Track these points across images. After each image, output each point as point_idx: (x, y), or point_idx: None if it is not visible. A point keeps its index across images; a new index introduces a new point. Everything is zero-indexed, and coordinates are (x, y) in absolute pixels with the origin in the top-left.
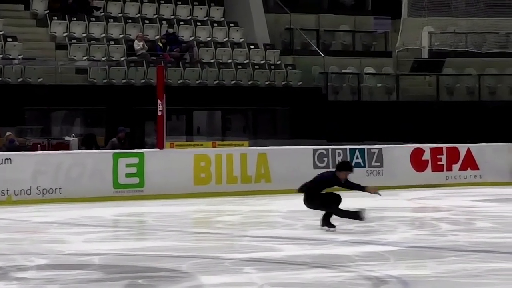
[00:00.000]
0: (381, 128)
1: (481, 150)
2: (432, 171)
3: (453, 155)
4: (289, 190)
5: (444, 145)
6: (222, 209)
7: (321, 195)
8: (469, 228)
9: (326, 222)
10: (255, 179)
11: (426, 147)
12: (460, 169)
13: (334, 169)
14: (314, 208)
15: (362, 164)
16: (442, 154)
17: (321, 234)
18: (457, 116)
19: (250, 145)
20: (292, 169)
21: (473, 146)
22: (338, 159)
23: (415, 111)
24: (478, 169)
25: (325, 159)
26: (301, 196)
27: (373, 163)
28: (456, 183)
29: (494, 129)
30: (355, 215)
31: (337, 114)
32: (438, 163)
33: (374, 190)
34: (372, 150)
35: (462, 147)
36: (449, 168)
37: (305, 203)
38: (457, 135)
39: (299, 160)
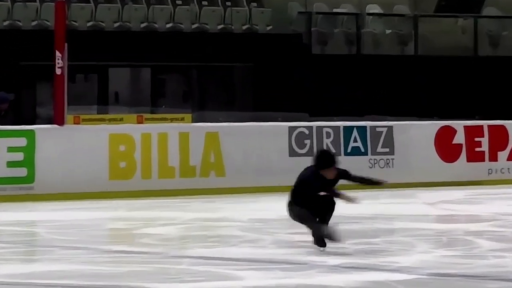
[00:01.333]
0: (392, 96)
1: None
2: (468, 161)
3: (499, 138)
4: (251, 188)
5: (485, 122)
6: (152, 216)
7: (305, 202)
8: None
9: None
10: (201, 171)
11: (459, 125)
12: (509, 159)
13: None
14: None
15: (363, 150)
16: (483, 136)
17: (299, 255)
18: (504, 79)
19: (194, 121)
20: (257, 156)
21: None
22: (327, 141)
23: (441, 71)
24: None
25: (307, 141)
26: (269, 198)
27: (379, 149)
28: (502, 180)
29: None
30: (323, 235)
31: (326, 75)
32: (477, 149)
33: (350, 200)
34: (378, 129)
35: None
36: (493, 157)
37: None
38: (505, 108)
39: (269, 143)
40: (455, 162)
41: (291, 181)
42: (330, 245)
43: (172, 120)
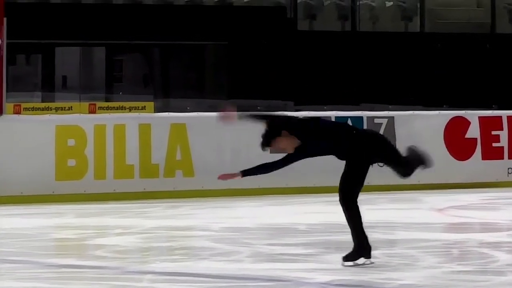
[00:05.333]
0: (393, 81)
1: None
2: (483, 158)
3: None
4: (225, 190)
5: (504, 113)
6: (106, 223)
7: None
8: None
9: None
10: (165, 170)
11: (473, 115)
12: None
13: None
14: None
15: None
16: (501, 129)
17: (282, 270)
18: None
19: (156, 110)
20: (232, 153)
21: None
22: None
23: (452, 52)
24: None
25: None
26: (246, 203)
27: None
28: None
29: None
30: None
31: (314, 55)
32: (494, 144)
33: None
34: (376, 120)
35: None
36: None
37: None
38: None
39: (246, 137)
40: (468, 160)
41: (273, 182)
42: (318, 255)
43: (130, 109)
